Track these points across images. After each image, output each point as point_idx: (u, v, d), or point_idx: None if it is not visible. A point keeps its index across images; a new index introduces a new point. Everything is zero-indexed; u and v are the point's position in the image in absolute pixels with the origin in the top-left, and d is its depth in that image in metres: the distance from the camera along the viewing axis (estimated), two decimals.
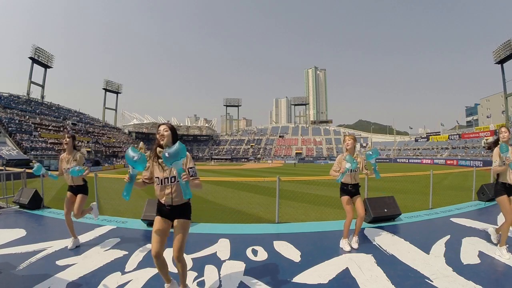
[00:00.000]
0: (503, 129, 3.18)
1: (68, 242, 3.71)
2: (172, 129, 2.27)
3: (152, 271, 2.86)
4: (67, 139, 3.68)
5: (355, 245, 3.51)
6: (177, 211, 2.24)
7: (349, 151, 3.52)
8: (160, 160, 2.20)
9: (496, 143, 3.24)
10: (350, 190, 3.57)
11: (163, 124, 2.28)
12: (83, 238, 3.96)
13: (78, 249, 3.56)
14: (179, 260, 2.22)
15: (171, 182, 2.19)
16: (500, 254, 3.12)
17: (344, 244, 3.50)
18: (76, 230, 3.94)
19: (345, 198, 3.58)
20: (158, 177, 2.20)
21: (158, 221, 2.24)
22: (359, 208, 3.49)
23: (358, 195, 3.60)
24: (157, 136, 2.22)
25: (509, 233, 3.44)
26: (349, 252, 3.35)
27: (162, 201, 2.24)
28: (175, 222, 2.24)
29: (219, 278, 2.72)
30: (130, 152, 2.06)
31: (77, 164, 3.62)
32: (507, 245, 3.20)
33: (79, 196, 3.72)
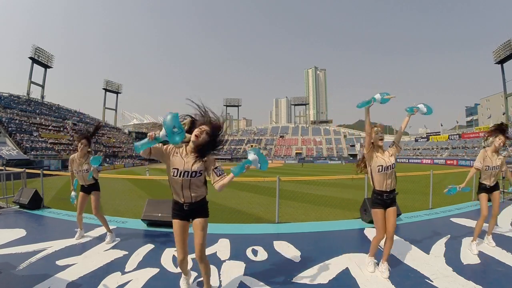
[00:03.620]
0: (499, 136, 3.30)
1: (68, 242, 3.73)
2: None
3: (152, 271, 2.87)
4: (84, 142, 3.75)
5: (385, 273, 2.67)
6: (195, 209, 2.18)
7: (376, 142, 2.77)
8: (181, 151, 2.12)
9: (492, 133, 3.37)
10: (385, 200, 2.74)
11: (206, 124, 2.07)
12: (83, 238, 3.95)
13: (78, 249, 3.55)
14: (201, 260, 2.21)
15: (191, 176, 2.10)
16: (470, 249, 3.32)
17: (368, 262, 2.84)
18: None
19: (378, 211, 2.75)
20: (177, 169, 2.08)
21: (177, 225, 2.17)
22: (389, 224, 2.72)
23: (393, 206, 2.75)
24: (197, 132, 2.04)
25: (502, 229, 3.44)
26: (351, 252, 3.34)
27: (181, 199, 2.15)
28: (195, 221, 2.20)
29: (219, 278, 2.72)
30: (172, 121, 1.78)
31: (89, 166, 3.73)
32: (477, 241, 3.35)
33: (93, 193, 3.82)
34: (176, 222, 2.17)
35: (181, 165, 2.08)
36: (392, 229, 2.70)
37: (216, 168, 2.16)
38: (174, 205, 2.20)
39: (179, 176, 2.09)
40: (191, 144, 2.10)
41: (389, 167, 2.70)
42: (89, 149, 3.84)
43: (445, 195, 3.66)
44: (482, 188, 3.49)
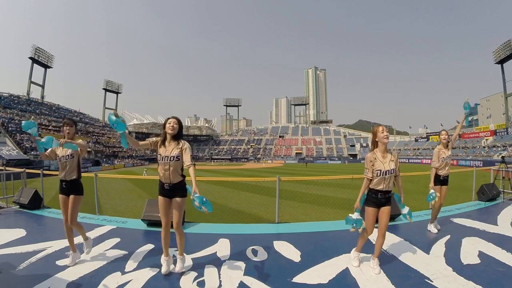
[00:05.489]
0: (443, 132, 4.11)
1: (68, 242, 3.56)
2: (180, 123, 2.82)
3: (152, 271, 2.87)
4: (69, 128, 3.06)
5: (376, 270, 2.79)
6: (175, 189, 2.73)
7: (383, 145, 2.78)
8: (165, 143, 2.76)
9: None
10: (380, 199, 2.75)
11: (173, 118, 2.80)
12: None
13: (78, 249, 3.50)
14: (177, 229, 2.77)
15: (169, 160, 2.69)
16: (430, 229, 4.09)
17: (353, 257, 2.94)
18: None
19: (370, 210, 2.78)
20: (160, 154, 2.71)
21: (161, 200, 2.76)
22: (381, 222, 2.76)
23: (388, 205, 2.77)
24: (168, 126, 2.74)
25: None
26: (351, 252, 3.34)
27: (163, 180, 2.73)
28: (174, 200, 2.74)
29: (219, 278, 2.71)
30: (113, 118, 2.47)
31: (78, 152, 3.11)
32: (436, 223, 4.15)
33: (71, 198, 3.04)
34: (160, 199, 2.77)
35: (163, 152, 2.72)
36: (384, 227, 2.76)
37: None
38: (159, 185, 2.78)
39: (162, 160, 2.71)
40: (169, 135, 2.76)
41: (387, 172, 2.70)
42: (76, 134, 3.24)
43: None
44: (437, 180, 4.12)
